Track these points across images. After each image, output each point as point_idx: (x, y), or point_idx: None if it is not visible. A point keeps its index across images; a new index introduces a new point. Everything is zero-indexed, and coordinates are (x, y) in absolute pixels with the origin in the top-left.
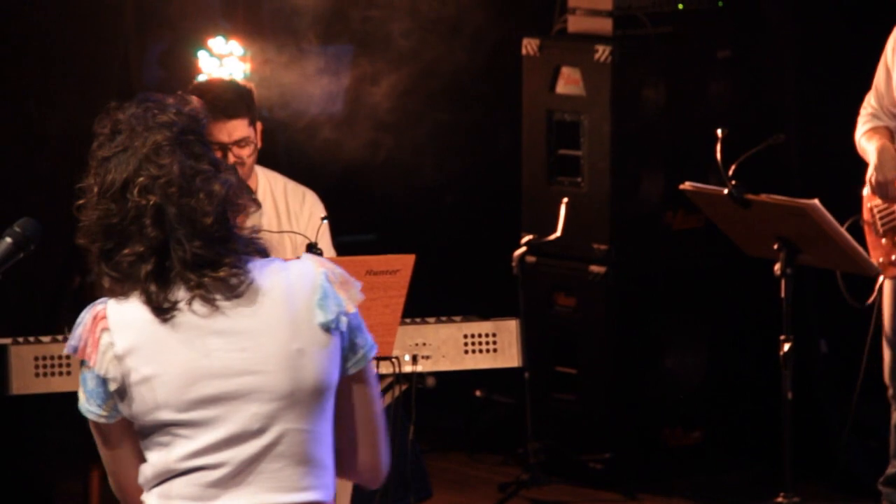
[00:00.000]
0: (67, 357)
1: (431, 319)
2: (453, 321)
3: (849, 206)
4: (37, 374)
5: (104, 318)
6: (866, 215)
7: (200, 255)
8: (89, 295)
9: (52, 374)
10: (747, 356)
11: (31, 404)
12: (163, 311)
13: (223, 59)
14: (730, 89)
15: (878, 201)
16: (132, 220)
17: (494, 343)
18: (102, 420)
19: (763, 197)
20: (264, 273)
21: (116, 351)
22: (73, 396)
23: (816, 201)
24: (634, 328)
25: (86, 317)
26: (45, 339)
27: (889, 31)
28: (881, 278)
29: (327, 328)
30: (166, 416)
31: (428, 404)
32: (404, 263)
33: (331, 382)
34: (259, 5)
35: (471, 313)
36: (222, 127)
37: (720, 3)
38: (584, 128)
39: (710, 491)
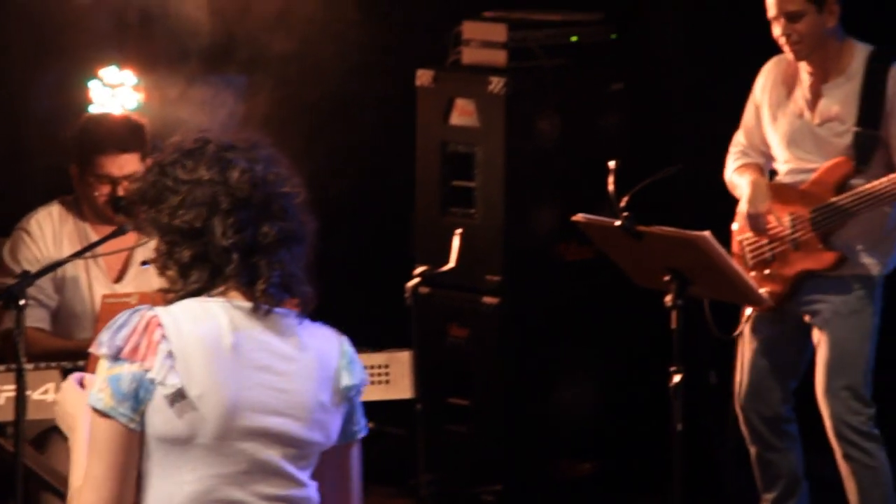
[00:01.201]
0: None
1: None
2: None
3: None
4: None
5: (160, 325)
6: (735, 248)
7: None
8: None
9: None
10: (639, 387)
11: None
12: (234, 332)
13: (115, 89)
14: (623, 121)
15: (747, 234)
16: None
17: (387, 374)
18: (132, 425)
19: (654, 229)
20: (305, 324)
21: (176, 360)
22: None
23: (708, 233)
24: (527, 359)
25: (132, 320)
26: None
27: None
28: (748, 310)
29: (347, 392)
30: (203, 438)
31: None
32: None
33: (332, 443)
34: (153, 35)
35: (363, 345)
36: (114, 160)
37: (613, 36)
38: (477, 159)
39: None
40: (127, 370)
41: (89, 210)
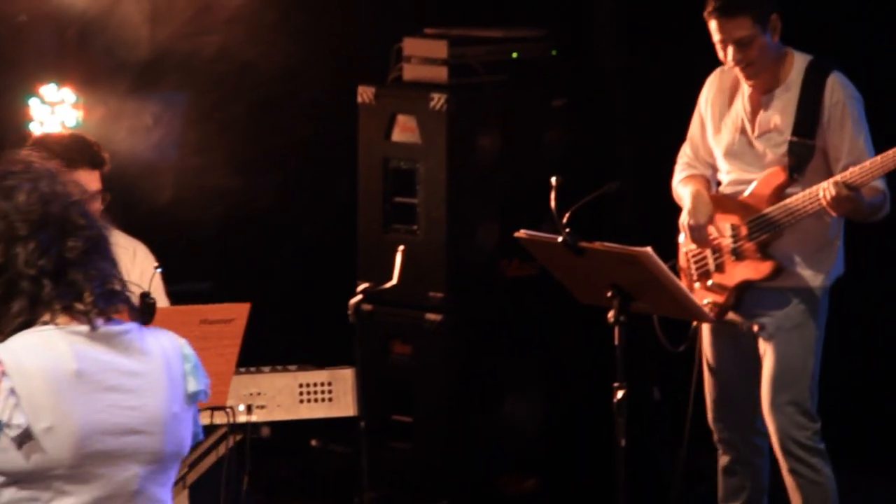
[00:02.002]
0: None
1: (266, 369)
2: (288, 370)
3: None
4: None
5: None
6: (682, 261)
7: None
8: None
9: None
10: (582, 403)
11: None
12: (76, 356)
13: (55, 107)
14: (564, 137)
15: (692, 246)
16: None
17: (330, 392)
18: None
19: (596, 245)
20: (143, 333)
21: (18, 398)
22: None
23: (649, 249)
24: (470, 376)
25: None
26: None
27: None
28: (695, 324)
29: (193, 398)
30: (58, 470)
31: (263, 454)
32: (239, 312)
33: (186, 451)
34: (92, 52)
35: (306, 362)
36: (89, 175)
37: (554, 52)
38: (419, 175)
39: None
40: None
41: None
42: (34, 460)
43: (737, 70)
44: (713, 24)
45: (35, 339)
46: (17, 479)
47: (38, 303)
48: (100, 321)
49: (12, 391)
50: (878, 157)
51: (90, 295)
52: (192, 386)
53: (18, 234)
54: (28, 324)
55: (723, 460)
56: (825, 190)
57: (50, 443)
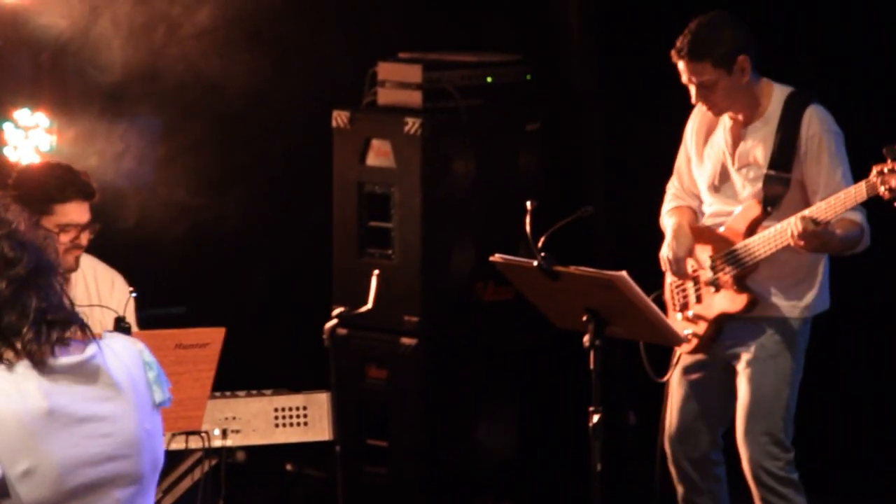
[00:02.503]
0: None
1: (242, 393)
2: (264, 394)
3: (656, 278)
4: None
5: None
6: (666, 293)
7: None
8: None
9: None
10: (558, 427)
11: None
12: (43, 394)
13: (29, 132)
14: (539, 162)
15: (674, 277)
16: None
17: (305, 416)
18: None
19: (572, 269)
20: (104, 353)
21: None
22: None
23: (624, 273)
24: (446, 400)
25: None
26: None
27: (690, 108)
28: (678, 353)
29: (160, 406)
30: None
31: (238, 479)
32: (214, 337)
33: (162, 463)
34: (66, 77)
35: (281, 386)
36: (79, 207)
37: (528, 77)
38: (394, 200)
39: None
40: None
41: None
42: (15, 502)
43: (704, 107)
44: (679, 65)
45: (3, 383)
46: None
47: None
48: (57, 351)
49: None
50: (842, 193)
51: (29, 331)
52: (158, 396)
53: None
54: None
55: (679, 490)
56: (793, 224)
57: (29, 486)
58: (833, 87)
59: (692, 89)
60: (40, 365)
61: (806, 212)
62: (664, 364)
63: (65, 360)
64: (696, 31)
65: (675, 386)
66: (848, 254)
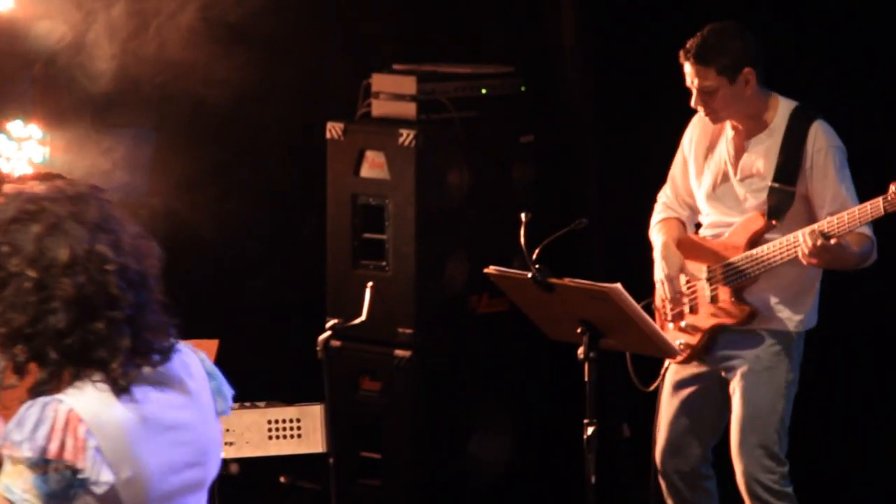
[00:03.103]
0: None
1: (235, 405)
2: (257, 406)
3: (650, 290)
4: None
5: (80, 419)
6: (657, 301)
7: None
8: None
9: None
10: (552, 439)
11: None
12: (127, 400)
13: (22, 143)
14: (533, 173)
15: (668, 296)
16: (99, 289)
17: (299, 428)
18: None
19: (566, 281)
20: (180, 359)
21: (104, 454)
22: None
23: (618, 285)
24: (439, 412)
25: (46, 415)
26: None
27: (687, 119)
28: (666, 363)
29: (220, 415)
30: None
31: (232, 491)
32: (207, 348)
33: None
34: (59, 88)
35: (275, 398)
36: None
37: (523, 88)
38: (388, 211)
39: None
40: (54, 471)
41: None
42: None
43: (702, 113)
44: (685, 67)
45: (98, 393)
46: None
47: (61, 377)
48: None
49: (97, 449)
50: (856, 209)
51: (117, 366)
52: (220, 405)
53: (48, 308)
54: (76, 377)
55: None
56: (802, 239)
57: (129, 493)
58: (835, 100)
59: (693, 92)
60: (137, 370)
61: (815, 226)
62: (652, 373)
63: (149, 368)
64: (706, 35)
65: (667, 399)
66: (859, 268)
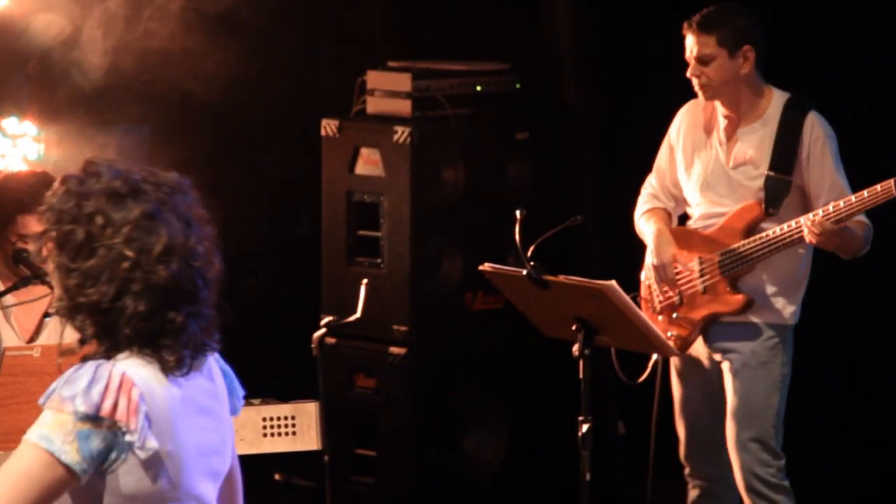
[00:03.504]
0: None
1: None
2: (252, 404)
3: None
4: None
5: (134, 384)
6: (644, 292)
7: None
8: None
9: None
10: (547, 437)
11: None
12: (172, 378)
13: (16, 140)
14: (528, 171)
15: (659, 283)
16: (189, 279)
17: (293, 426)
18: (84, 477)
19: (561, 278)
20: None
21: (152, 422)
22: None
23: (613, 282)
24: (435, 410)
25: (100, 374)
26: None
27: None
28: (654, 356)
29: (232, 414)
30: (171, 492)
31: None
32: None
33: None
34: (53, 85)
35: (270, 396)
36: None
37: (518, 86)
38: (383, 209)
39: None
40: (99, 430)
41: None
42: (161, 479)
43: (696, 89)
44: (687, 38)
45: (150, 366)
46: (131, 499)
47: (119, 351)
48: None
49: (147, 415)
50: (865, 192)
51: (174, 354)
52: (233, 404)
53: (132, 290)
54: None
55: (692, 495)
56: (809, 223)
57: (170, 466)
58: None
59: (691, 63)
60: (197, 353)
61: (820, 211)
62: (639, 367)
63: (207, 345)
64: (713, 7)
65: (677, 394)
66: (857, 255)
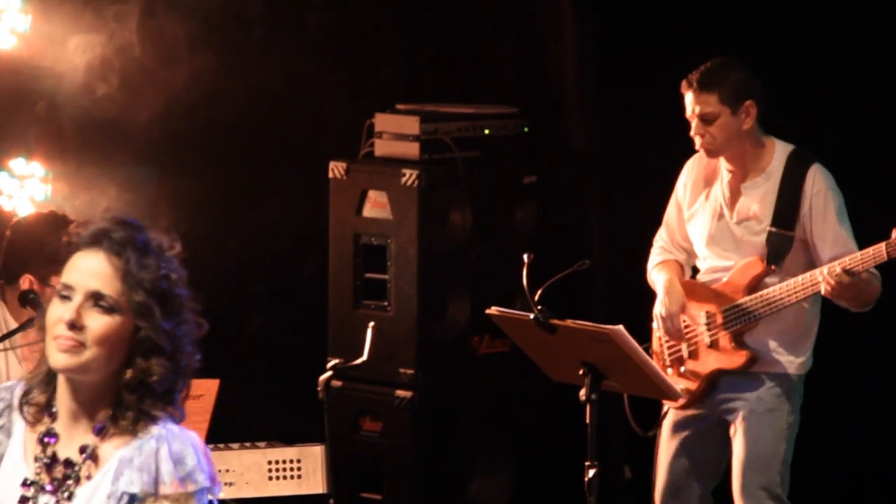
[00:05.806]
0: None
1: (235, 445)
2: (257, 447)
3: (651, 333)
4: None
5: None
6: (655, 345)
7: None
8: None
9: None
10: (553, 482)
11: None
12: None
13: (24, 181)
14: (536, 214)
15: (666, 335)
16: None
17: (299, 469)
18: None
19: (568, 322)
20: None
21: None
22: None
23: (621, 327)
24: (440, 453)
25: (196, 440)
26: None
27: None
28: (665, 407)
29: None
30: None
31: None
32: (208, 388)
33: None
34: (61, 126)
35: (275, 439)
36: None
37: (526, 129)
38: (390, 251)
39: None
40: (213, 497)
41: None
42: None
43: (698, 147)
44: (686, 97)
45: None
46: None
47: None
48: None
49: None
50: (871, 249)
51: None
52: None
53: (158, 345)
54: None
55: None
56: (824, 277)
57: None
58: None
59: (692, 124)
60: None
61: (836, 264)
62: (651, 416)
63: None
64: (710, 65)
65: (666, 441)
66: (869, 307)
